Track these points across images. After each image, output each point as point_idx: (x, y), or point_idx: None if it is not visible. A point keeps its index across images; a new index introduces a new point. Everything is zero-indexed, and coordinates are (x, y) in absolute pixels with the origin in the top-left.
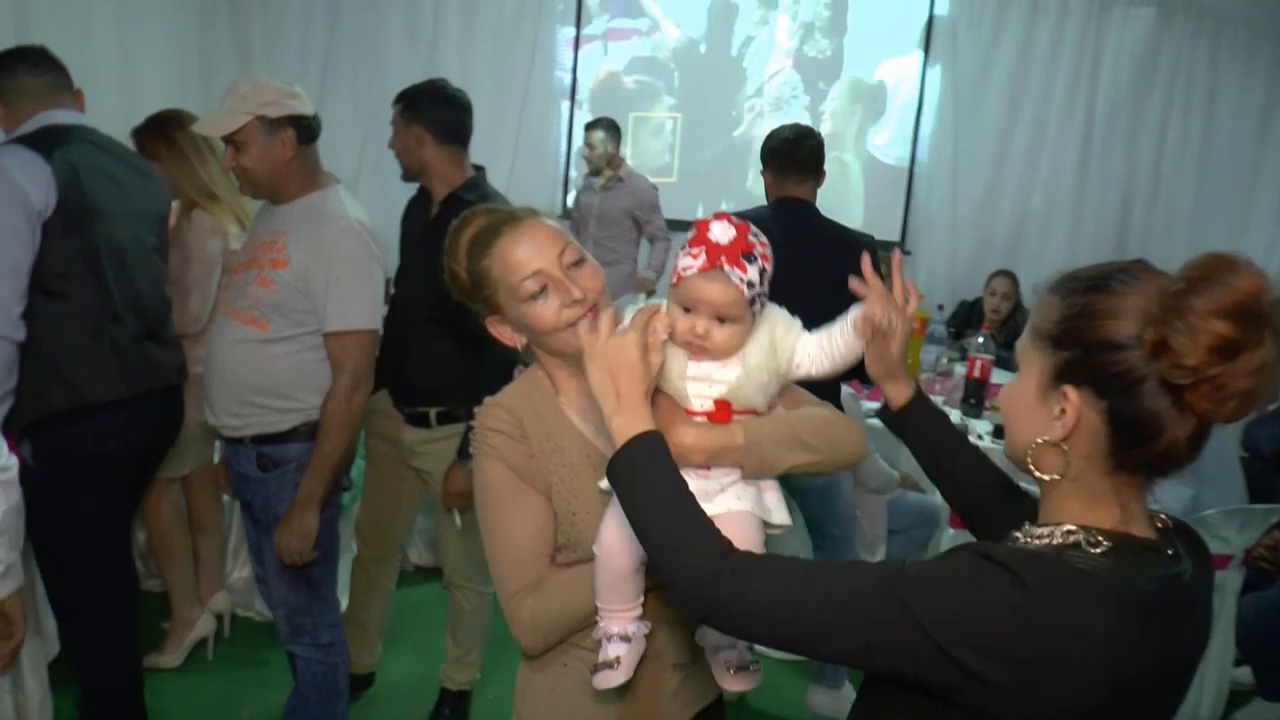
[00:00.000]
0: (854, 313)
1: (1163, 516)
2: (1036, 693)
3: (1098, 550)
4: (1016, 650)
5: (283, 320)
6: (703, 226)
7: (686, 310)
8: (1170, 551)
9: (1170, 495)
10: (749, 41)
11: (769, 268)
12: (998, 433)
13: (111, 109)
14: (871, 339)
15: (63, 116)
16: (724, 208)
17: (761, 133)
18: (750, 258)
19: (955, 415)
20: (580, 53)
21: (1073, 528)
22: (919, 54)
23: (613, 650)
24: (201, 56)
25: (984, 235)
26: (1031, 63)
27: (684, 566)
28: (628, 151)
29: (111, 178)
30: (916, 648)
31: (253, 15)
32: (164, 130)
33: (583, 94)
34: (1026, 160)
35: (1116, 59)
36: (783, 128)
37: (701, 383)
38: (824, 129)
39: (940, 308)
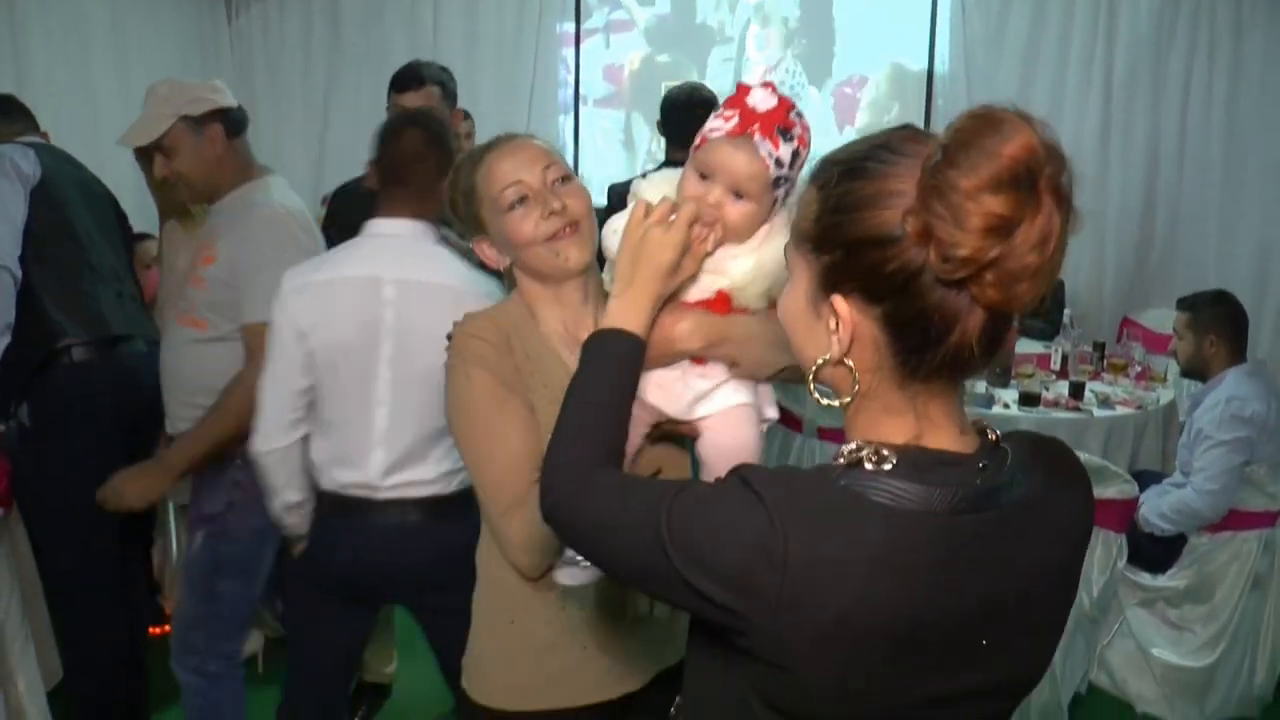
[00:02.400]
0: None
1: (996, 430)
2: (799, 630)
3: (885, 466)
4: (762, 582)
5: (218, 317)
6: (743, 89)
7: (703, 176)
8: (982, 465)
9: None
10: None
11: (804, 154)
12: (1024, 400)
13: (112, 138)
14: None
15: (34, 140)
16: None
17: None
18: (787, 134)
19: (981, 385)
20: (583, 47)
21: (857, 445)
22: (925, 30)
23: None
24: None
25: None
26: (1045, 26)
27: (561, 456)
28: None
29: (77, 181)
30: (667, 576)
31: (254, 41)
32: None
33: (587, 89)
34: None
35: (1134, 10)
36: (679, 90)
37: (709, 274)
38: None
39: None
